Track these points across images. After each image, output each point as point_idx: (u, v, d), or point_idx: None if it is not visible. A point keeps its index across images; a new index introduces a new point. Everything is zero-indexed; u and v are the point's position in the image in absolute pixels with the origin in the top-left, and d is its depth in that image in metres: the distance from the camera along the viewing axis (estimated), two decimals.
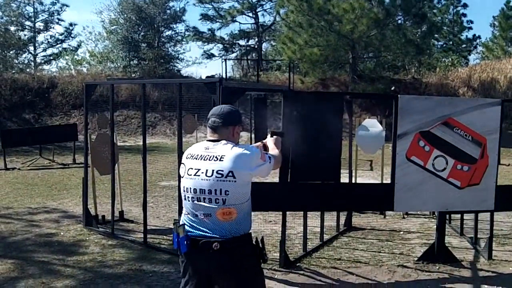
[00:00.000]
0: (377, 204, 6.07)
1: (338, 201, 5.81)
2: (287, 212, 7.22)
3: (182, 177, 3.08)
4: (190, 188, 3.01)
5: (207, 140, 3.11)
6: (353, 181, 7.80)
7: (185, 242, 2.95)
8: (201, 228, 2.99)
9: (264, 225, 7.56)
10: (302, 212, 6.44)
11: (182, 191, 3.08)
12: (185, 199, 3.06)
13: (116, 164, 7.64)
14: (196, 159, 3.04)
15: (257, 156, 3.08)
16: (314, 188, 5.61)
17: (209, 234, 2.96)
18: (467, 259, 6.11)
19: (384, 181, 8.12)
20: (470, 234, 6.94)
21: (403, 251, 6.42)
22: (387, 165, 8.17)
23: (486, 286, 5.29)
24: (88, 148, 7.58)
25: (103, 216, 7.62)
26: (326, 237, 6.78)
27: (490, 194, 5.84)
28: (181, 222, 3.07)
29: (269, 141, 3.52)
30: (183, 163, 3.12)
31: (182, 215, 3.11)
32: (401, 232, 7.36)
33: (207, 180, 2.97)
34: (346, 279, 5.41)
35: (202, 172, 2.98)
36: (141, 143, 21.00)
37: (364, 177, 11.13)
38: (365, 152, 8.69)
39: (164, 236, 6.88)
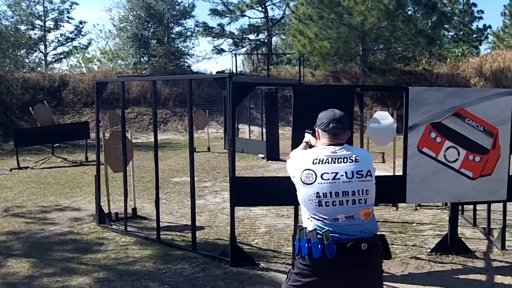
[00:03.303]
0: (389, 196, 6.04)
1: None
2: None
3: (311, 184, 2.97)
4: (330, 193, 2.94)
5: (327, 145, 3.08)
6: None
7: (334, 246, 2.88)
8: (344, 232, 2.95)
9: (277, 220, 7.57)
10: None
11: (313, 197, 2.96)
12: (319, 205, 2.95)
13: (131, 161, 7.69)
14: (329, 163, 2.99)
15: None
16: None
17: (355, 236, 2.95)
18: (480, 250, 6.09)
19: (396, 173, 8.09)
20: (483, 224, 6.90)
21: (416, 243, 6.41)
22: (399, 157, 8.13)
23: (499, 276, 5.28)
24: (100, 145, 7.63)
25: (116, 213, 7.67)
26: None
27: (502, 184, 5.81)
28: (310, 228, 2.97)
29: (313, 140, 3.52)
30: (309, 169, 2.99)
31: (307, 220, 3.01)
32: (414, 224, 7.34)
33: (349, 182, 2.96)
34: None
35: (342, 175, 2.96)
36: (153, 139, 21.13)
37: (376, 170, 11.10)
38: (376, 144, 8.69)
39: (177, 233, 6.92)
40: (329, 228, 2.92)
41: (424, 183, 5.59)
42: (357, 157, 3.02)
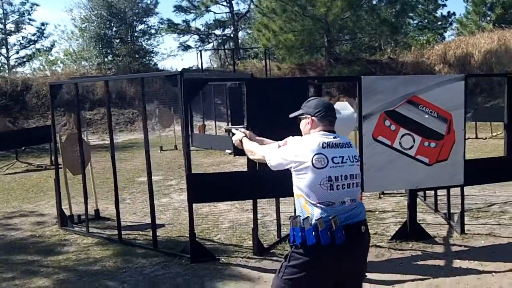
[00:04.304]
0: None
1: None
2: (264, 199, 7.26)
3: (323, 167, 2.96)
4: (342, 176, 3.00)
5: (326, 131, 3.11)
6: None
7: (342, 231, 2.91)
8: (349, 215, 3.00)
9: (241, 214, 7.57)
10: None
11: (325, 181, 2.95)
12: (330, 188, 2.97)
13: (89, 163, 7.59)
14: (335, 147, 3.04)
15: None
16: (282, 174, 5.60)
17: (356, 219, 3.02)
18: (441, 235, 6.18)
19: None
20: (444, 210, 6.99)
21: (377, 231, 6.47)
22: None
23: (458, 260, 5.34)
24: (57, 149, 7.52)
25: (79, 216, 7.56)
26: None
27: (458, 169, 5.90)
28: (315, 215, 2.94)
29: (248, 133, 3.73)
30: (321, 153, 2.98)
31: (310, 207, 2.97)
32: (377, 212, 7.42)
33: (351, 165, 3.06)
34: None
35: (347, 159, 3.04)
36: (119, 140, 20.90)
37: None
38: None
39: (140, 232, 6.86)
40: (337, 213, 2.96)
41: (381, 171, 5.64)
42: (350, 143, 3.13)
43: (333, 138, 3.07)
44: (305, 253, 2.96)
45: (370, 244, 5.75)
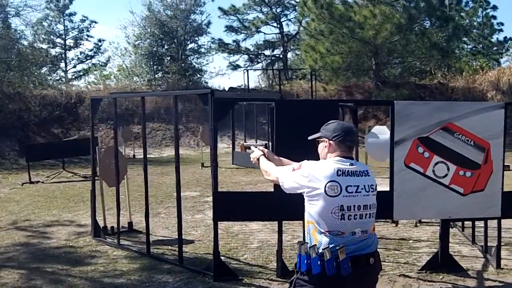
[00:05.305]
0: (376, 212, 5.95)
1: None
2: (296, 221, 7.17)
3: (336, 196, 2.91)
4: (353, 206, 2.93)
5: (343, 157, 3.05)
6: None
7: (348, 263, 2.85)
8: (358, 247, 2.94)
9: (271, 234, 7.51)
10: None
11: (336, 210, 2.90)
12: (341, 218, 2.91)
13: (125, 176, 7.75)
14: (351, 175, 2.96)
15: None
16: None
17: (366, 250, 2.97)
18: (475, 268, 5.93)
19: None
20: (482, 242, 6.72)
21: (408, 260, 6.28)
22: None
23: None
24: (96, 160, 7.73)
25: (112, 227, 7.70)
26: None
27: (496, 200, 5.67)
28: (323, 243, 2.91)
29: (269, 153, 3.69)
30: (334, 181, 2.91)
31: (318, 235, 2.95)
32: (411, 241, 7.20)
33: (368, 195, 2.99)
34: None
35: (362, 188, 2.97)
36: (164, 155, 21.09)
37: (383, 185, 10.94)
38: (375, 159, 8.60)
39: (169, 247, 6.92)
40: (345, 243, 2.89)
41: (412, 198, 5.49)
42: (368, 171, 3.04)
43: (350, 165, 2.98)
44: (310, 281, 2.92)
45: (398, 274, 5.70)
